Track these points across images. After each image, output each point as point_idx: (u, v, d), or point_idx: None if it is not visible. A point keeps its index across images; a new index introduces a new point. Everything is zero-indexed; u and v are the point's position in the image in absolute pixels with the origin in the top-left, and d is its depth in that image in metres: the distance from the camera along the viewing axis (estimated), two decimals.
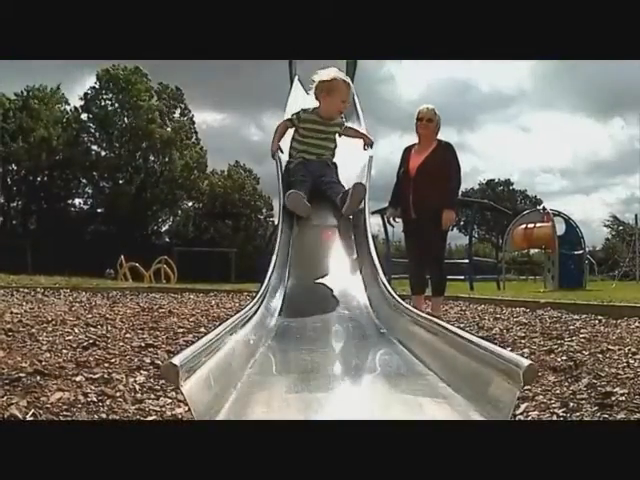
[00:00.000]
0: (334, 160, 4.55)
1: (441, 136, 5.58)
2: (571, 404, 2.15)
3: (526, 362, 1.15)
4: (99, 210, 37.40)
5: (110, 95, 37.41)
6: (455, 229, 54.47)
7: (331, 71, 4.37)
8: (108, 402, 2.20)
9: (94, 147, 37.73)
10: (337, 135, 4.60)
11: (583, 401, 2.18)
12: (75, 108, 37.82)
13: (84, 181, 38.29)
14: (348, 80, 4.41)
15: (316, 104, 4.50)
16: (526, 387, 2.28)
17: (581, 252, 15.29)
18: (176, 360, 1.13)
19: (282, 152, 4.59)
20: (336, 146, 4.58)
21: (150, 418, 2.09)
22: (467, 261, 17.63)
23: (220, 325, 1.61)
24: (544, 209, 16.41)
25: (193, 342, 3.42)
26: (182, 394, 1.15)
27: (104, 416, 2.06)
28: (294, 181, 4.31)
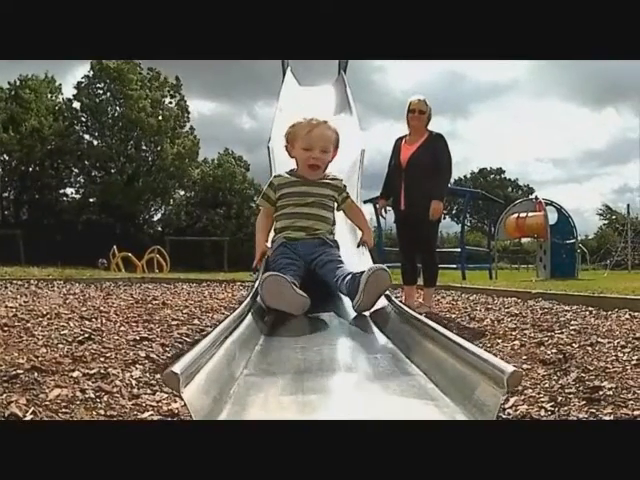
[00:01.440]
0: (335, 237, 3.29)
1: (433, 124, 5.62)
2: (559, 398, 2.19)
3: (510, 368, 1.18)
4: (91, 200, 37.24)
5: (102, 84, 37.24)
6: (447, 217, 54.82)
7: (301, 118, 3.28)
8: (105, 398, 2.23)
9: (86, 136, 37.63)
10: (334, 203, 3.35)
11: (571, 395, 2.22)
12: (68, 99, 37.69)
13: (76, 170, 38.16)
14: (318, 120, 3.21)
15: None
16: None
17: (573, 241, 15.36)
18: (177, 368, 1.17)
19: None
20: (334, 218, 3.35)
21: (147, 414, 2.13)
22: (459, 250, 17.70)
23: (215, 329, 1.65)
24: (536, 198, 16.46)
25: (189, 338, 3.46)
26: (183, 400, 1.18)
27: (102, 412, 2.09)
28: (274, 269, 2.94)
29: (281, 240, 3.18)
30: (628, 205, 20.80)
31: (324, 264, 3.02)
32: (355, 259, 3.34)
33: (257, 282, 2.81)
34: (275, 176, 3.39)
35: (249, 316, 2.23)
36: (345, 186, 3.42)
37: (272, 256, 3.13)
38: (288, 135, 3.29)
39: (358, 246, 3.56)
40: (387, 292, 2.74)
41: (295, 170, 3.33)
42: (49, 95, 37.67)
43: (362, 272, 2.67)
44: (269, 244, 3.29)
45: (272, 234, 3.32)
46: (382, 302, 2.70)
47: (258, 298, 2.65)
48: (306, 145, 3.18)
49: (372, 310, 2.70)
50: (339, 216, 3.44)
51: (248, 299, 2.56)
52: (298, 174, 3.29)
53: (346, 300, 2.84)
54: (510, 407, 2.16)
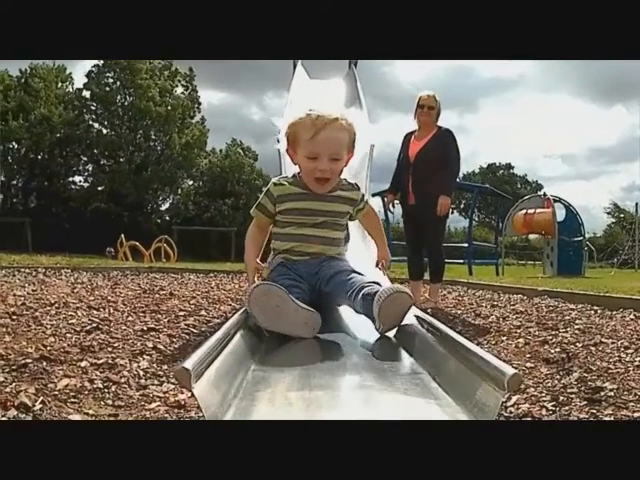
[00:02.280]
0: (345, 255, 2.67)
1: (441, 118, 5.63)
2: (561, 398, 2.22)
3: (511, 370, 1.20)
4: (100, 188, 37.29)
5: (112, 73, 37.27)
6: (455, 212, 54.73)
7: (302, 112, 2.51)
8: (113, 388, 2.27)
9: (95, 125, 37.68)
10: (347, 218, 2.68)
11: (573, 395, 2.24)
12: (78, 89, 37.81)
13: (84, 159, 38.26)
14: (325, 119, 2.43)
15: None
16: None
17: (580, 239, 15.35)
18: (188, 364, 1.20)
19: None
20: (348, 237, 2.73)
21: (154, 404, 2.17)
22: (466, 245, 17.67)
23: (224, 325, 1.68)
24: (545, 195, 16.46)
25: (195, 329, 3.48)
26: (194, 396, 1.21)
27: (110, 402, 2.13)
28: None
29: (279, 260, 2.57)
30: (637, 204, 20.73)
31: (329, 279, 2.42)
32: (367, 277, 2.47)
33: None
34: (275, 183, 2.64)
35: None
36: (363, 195, 2.74)
37: (269, 278, 2.47)
38: (289, 136, 2.57)
39: (376, 266, 2.87)
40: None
41: (300, 177, 2.61)
42: (59, 84, 37.76)
43: (375, 292, 2.11)
44: (266, 264, 2.65)
45: (270, 256, 2.68)
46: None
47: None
48: (310, 153, 2.47)
49: None
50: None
51: None
52: (304, 184, 2.57)
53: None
54: (512, 405, 2.18)
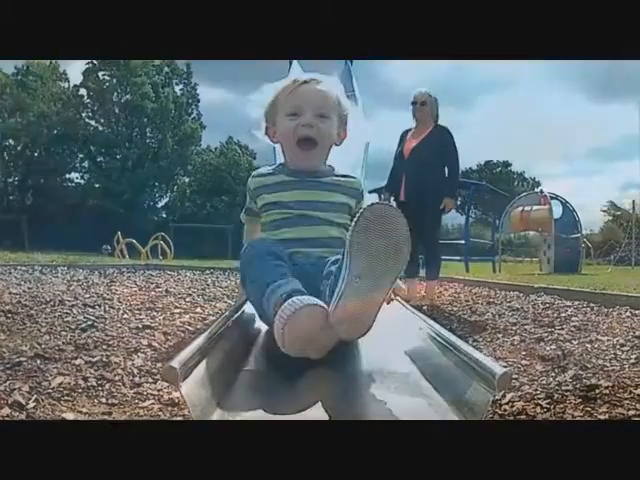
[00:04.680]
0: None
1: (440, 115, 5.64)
2: (556, 395, 2.21)
3: (500, 370, 1.20)
4: (96, 185, 37.23)
5: (108, 71, 37.21)
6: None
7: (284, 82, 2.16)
8: (107, 386, 2.27)
9: (92, 122, 37.62)
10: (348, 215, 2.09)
11: (568, 393, 2.23)
12: (75, 85, 37.71)
13: (81, 156, 38.19)
14: (308, 78, 2.12)
15: None
16: (513, 377, 2.36)
17: (577, 236, 15.35)
18: (175, 363, 1.19)
19: None
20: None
21: (147, 402, 2.16)
22: (463, 242, 17.64)
23: (213, 324, 1.67)
24: (541, 192, 16.46)
25: (191, 326, 3.47)
26: (181, 395, 1.21)
27: (104, 400, 2.13)
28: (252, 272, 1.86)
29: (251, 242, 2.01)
30: (633, 201, 20.68)
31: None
32: None
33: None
34: (253, 175, 2.22)
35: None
36: (360, 184, 2.24)
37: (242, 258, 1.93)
38: (267, 110, 2.19)
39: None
40: None
41: (285, 164, 2.20)
42: (57, 82, 37.69)
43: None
44: None
45: None
46: None
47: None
48: (291, 108, 2.07)
49: None
50: None
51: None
52: (289, 169, 2.13)
53: None
54: (506, 403, 2.17)
